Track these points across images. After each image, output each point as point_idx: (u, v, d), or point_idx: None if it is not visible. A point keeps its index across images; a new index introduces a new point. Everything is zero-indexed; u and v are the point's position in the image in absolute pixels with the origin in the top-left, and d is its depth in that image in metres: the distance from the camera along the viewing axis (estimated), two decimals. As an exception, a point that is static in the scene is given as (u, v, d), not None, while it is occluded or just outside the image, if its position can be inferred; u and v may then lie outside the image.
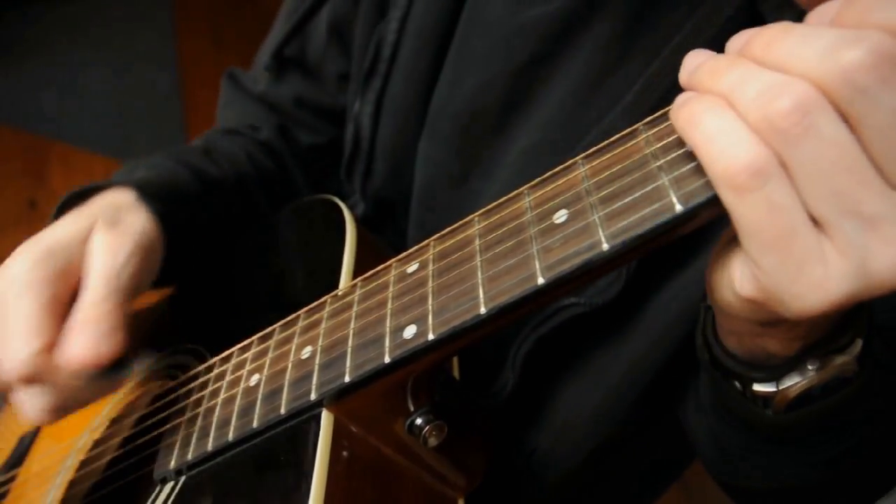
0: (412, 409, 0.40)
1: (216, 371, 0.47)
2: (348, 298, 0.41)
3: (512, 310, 0.32)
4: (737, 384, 0.36)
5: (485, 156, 0.56)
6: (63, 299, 0.44)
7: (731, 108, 0.25)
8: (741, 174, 0.24)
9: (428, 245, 0.39)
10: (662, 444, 0.62)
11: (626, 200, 0.29)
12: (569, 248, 0.31)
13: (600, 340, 0.52)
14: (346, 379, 0.37)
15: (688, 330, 0.46)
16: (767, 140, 0.24)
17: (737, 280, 0.28)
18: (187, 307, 0.62)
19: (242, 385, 0.43)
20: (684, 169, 0.28)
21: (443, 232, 0.38)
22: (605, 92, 0.49)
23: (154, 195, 0.51)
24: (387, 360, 0.35)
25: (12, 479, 0.60)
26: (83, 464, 0.55)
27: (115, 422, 0.56)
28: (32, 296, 0.43)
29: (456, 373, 0.49)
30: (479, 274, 0.34)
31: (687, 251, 0.46)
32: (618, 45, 0.48)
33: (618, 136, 0.32)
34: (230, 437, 0.41)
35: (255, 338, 0.45)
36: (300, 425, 0.39)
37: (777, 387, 0.34)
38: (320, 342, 0.40)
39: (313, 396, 0.38)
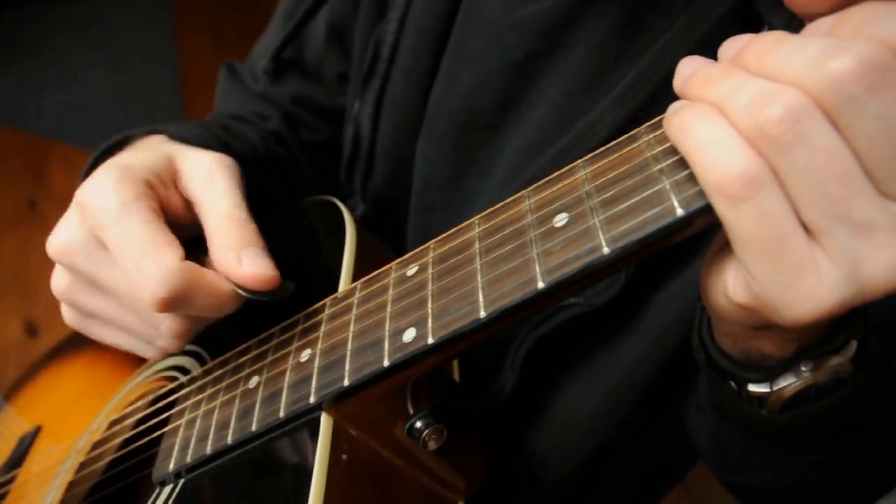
0: (412, 412, 0.40)
1: (215, 374, 0.47)
2: (347, 301, 0.41)
3: (512, 313, 0.32)
4: (732, 384, 0.36)
5: (481, 155, 0.56)
6: (160, 213, 0.40)
7: (724, 117, 0.25)
8: (733, 183, 0.24)
9: (428, 248, 0.39)
10: (663, 444, 0.62)
11: (627, 204, 0.29)
12: (569, 252, 0.30)
13: (600, 340, 0.51)
14: (346, 382, 0.37)
15: (687, 330, 0.45)
16: (759, 148, 0.24)
17: (730, 286, 0.28)
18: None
19: (241, 388, 0.43)
20: (686, 172, 0.28)
21: (443, 235, 0.38)
22: (602, 91, 0.49)
23: (195, 142, 0.49)
24: (386, 363, 0.35)
25: (12, 479, 0.60)
26: (83, 465, 0.55)
27: (114, 423, 0.56)
28: (136, 215, 0.38)
29: (456, 375, 0.49)
30: (479, 277, 0.34)
31: (687, 252, 0.46)
32: (613, 43, 0.48)
33: (619, 140, 0.32)
34: (229, 439, 0.41)
35: (253, 341, 0.45)
36: (299, 428, 0.39)
37: (771, 387, 0.34)
38: (319, 345, 0.40)
39: (312, 400, 0.38)
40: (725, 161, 0.25)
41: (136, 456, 0.50)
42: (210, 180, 0.41)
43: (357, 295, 0.41)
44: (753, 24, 0.42)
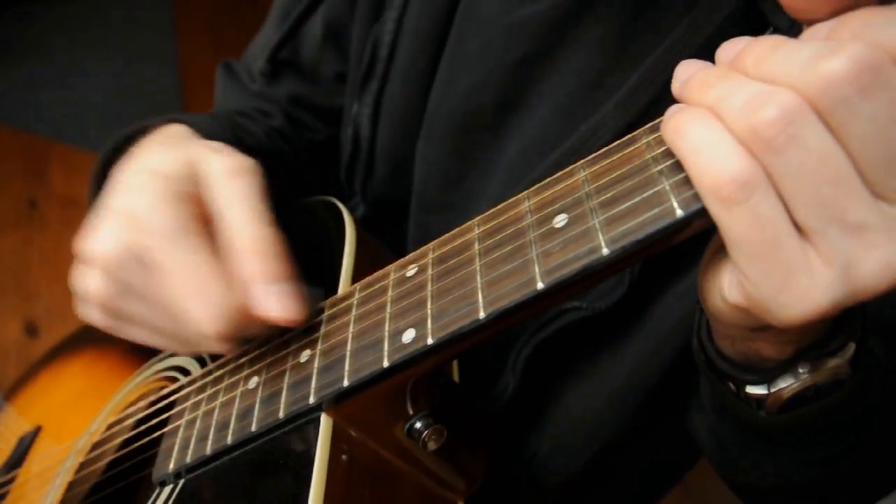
0: (411, 412, 0.40)
1: (215, 374, 0.47)
2: (347, 302, 0.41)
3: (511, 314, 0.32)
4: (731, 386, 0.36)
5: (480, 156, 0.56)
6: (205, 234, 0.39)
7: (718, 120, 0.26)
8: (726, 186, 0.25)
9: (427, 249, 0.39)
10: (664, 444, 0.62)
11: (627, 205, 0.29)
12: (568, 253, 0.30)
13: (603, 344, 0.51)
14: (345, 383, 0.37)
15: (690, 334, 0.46)
16: (753, 150, 0.24)
17: (725, 287, 0.29)
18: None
19: (241, 388, 0.43)
20: (685, 174, 0.28)
21: (443, 237, 0.38)
22: (604, 93, 0.49)
23: (210, 135, 0.49)
24: (385, 364, 0.35)
25: (12, 479, 0.60)
26: (83, 465, 0.55)
27: (114, 424, 0.56)
28: (184, 243, 0.37)
29: (456, 376, 0.49)
30: (479, 278, 0.34)
31: (691, 255, 0.46)
32: (615, 45, 0.48)
33: (619, 141, 0.32)
34: (229, 440, 0.41)
35: (252, 345, 0.45)
36: (299, 429, 0.39)
37: (769, 389, 0.34)
38: (319, 346, 0.40)
39: (312, 400, 0.38)
40: (719, 164, 0.25)
41: (135, 456, 0.50)
42: (232, 192, 0.39)
43: (356, 296, 0.41)
44: (757, 26, 0.42)
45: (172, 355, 0.57)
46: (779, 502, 0.48)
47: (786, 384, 0.34)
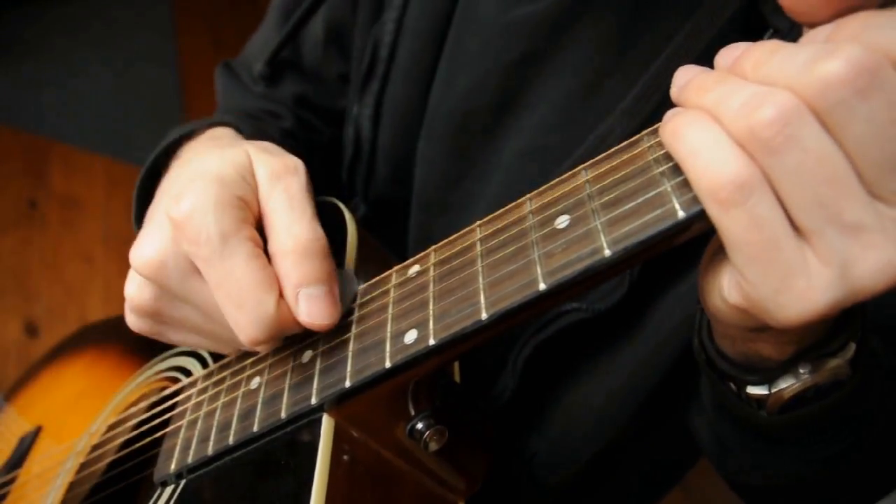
0: (413, 413, 0.40)
1: (217, 375, 0.47)
2: (349, 302, 0.41)
3: (513, 315, 0.32)
4: (732, 386, 0.36)
5: (478, 157, 0.56)
6: (258, 239, 0.39)
7: (716, 122, 0.26)
8: (724, 188, 0.25)
9: (430, 250, 0.39)
10: (664, 445, 0.62)
11: (629, 206, 0.29)
12: (570, 254, 0.31)
13: (602, 345, 0.51)
14: (347, 384, 0.37)
15: (691, 335, 0.46)
16: (751, 151, 0.25)
17: (725, 288, 0.29)
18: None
19: (243, 388, 0.43)
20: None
21: (446, 239, 0.38)
22: (605, 95, 0.49)
23: (252, 136, 0.48)
24: (387, 365, 0.35)
25: (13, 480, 0.60)
26: (83, 466, 0.55)
27: (115, 424, 0.56)
28: (237, 250, 0.37)
29: (457, 377, 0.49)
30: (481, 279, 0.34)
31: (690, 257, 0.46)
32: (614, 45, 0.48)
33: (621, 144, 0.32)
34: (231, 440, 0.41)
35: None
36: (301, 429, 0.39)
37: (770, 389, 0.34)
38: (321, 346, 0.40)
39: (314, 401, 0.38)
40: (716, 166, 0.25)
41: (137, 457, 0.50)
42: (278, 194, 0.39)
43: (358, 297, 0.41)
44: (757, 28, 0.42)
45: (174, 356, 0.57)
46: (779, 502, 0.48)
47: (786, 384, 0.34)
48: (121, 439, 0.53)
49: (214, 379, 0.47)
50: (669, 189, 0.28)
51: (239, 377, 0.44)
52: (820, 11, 0.25)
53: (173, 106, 2.17)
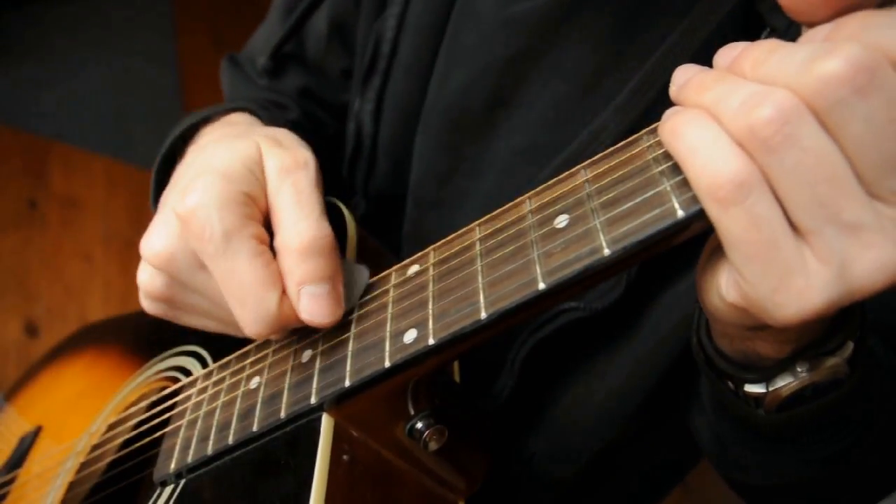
0: (413, 412, 0.40)
1: (216, 375, 0.47)
2: (348, 302, 0.41)
3: (513, 314, 0.32)
4: (730, 384, 0.36)
5: (469, 153, 0.56)
6: (264, 236, 0.39)
7: (715, 121, 0.26)
8: (723, 187, 0.25)
9: (429, 249, 0.39)
10: (664, 445, 0.62)
11: (628, 205, 0.29)
12: (570, 254, 0.31)
13: (600, 345, 0.51)
14: (346, 383, 0.37)
15: (689, 334, 0.46)
16: (749, 150, 0.25)
17: (723, 286, 0.29)
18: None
19: (243, 388, 0.43)
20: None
21: (444, 240, 0.38)
22: (601, 94, 0.49)
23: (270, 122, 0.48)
24: (387, 364, 0.35)
25: (13, 480, 0.60)
26: (83, 465, 0.55)
27: (115, 424, 0.56)
28: (240, 248, 0.37)
29: (456, 376, 0.49)
30: (480, 278, 0.34)
31: (687, 256, 0.46)
32: (610, 44, 0.48)
33: (620, 143, 0.32)
34: (230, 440, 0.41)
35: (253, 346, 0.45)
36: (300, 429, 0.39)
37: (767, 388, 0.34)
38: (320, 346, 0.40)
39: (313, 400, 0.38)
40: (715, 165, 0.25)
41: (136, 456, 0.50)
42: (286, 190, 0.39)
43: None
44: (754, 27, 0.42)
45: (173, 356, 0.57)
46: (779, 501, 0.48)
47: (784, 383, 0.34)
48: (121, 439, 0.53)
49: (214, 379, 0.47)
50: (669, 188, 0.28)
51: (238, 377, 0.44)
52: (819, 11, 0.25)
53: (173, 106, 2.17)
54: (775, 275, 0.25)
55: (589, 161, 0.33)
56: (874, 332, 0.41)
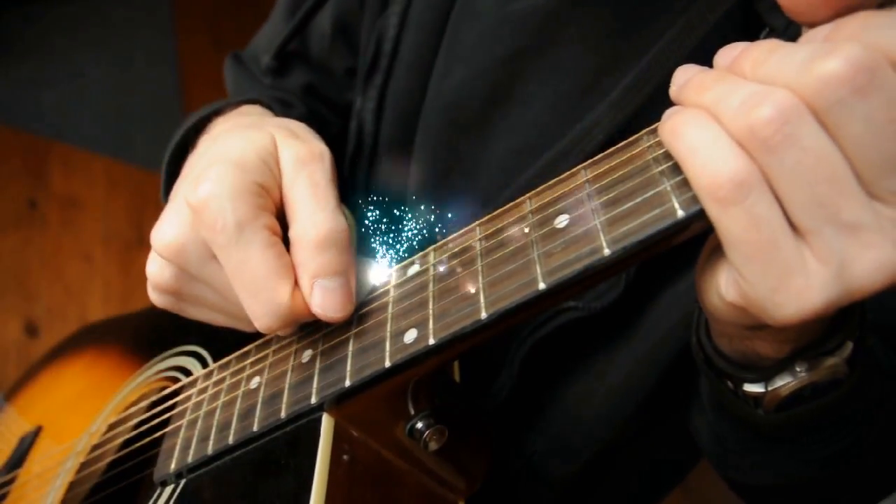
0: (413, 412, 0.40)
1: (217, 375, 0.47)
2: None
3: (513, 314, 0.32)
4: (729, 384, 0.36)
5: (465, 152, 0.56)
6: (276, 227, 0.38)
7: (715, 121, 0.26)
8: (723, 187, 0.25)
9: (429, 249, 0.39)
10: (664, 445, 0.62)
11: (628, 205, 0.29)
12: (570, 254, 0.31)
13: (599, 345, 0.51)
14: (347, 383, 0.37)
15: (688, 334, 0.46)
16: (749, 149, 0.25)
17: (722, 286, 0.29)
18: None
19: (243, 388, 0.43)
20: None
21: (444, 240, 0.38)
22: (601, 93, 0.49)
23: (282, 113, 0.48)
24: (387, 364, 0.35)
25: (13, 479, 0.60)
26: (83, 465, 0.55)
27: (115, 424, 0.56)
28: (253, 238, 0.36)
29: (456, 376, 0.49)
30: (480, 278, 0.34)
31: (686, 256, 0.46)
32: (609, 44, 0.48)
33: (620, 144, 0.32)
34: (230, 440, 0.41)
35: (253, 346, 0.45)
36: (300, 429, 0.39)
37: (766, 387, 0.34)
38: (321, 346, 0.40)
39: (314, 400, 0.38)
40: (715, 164, 0.25)
41: (137, 456, 0.50)
42: (301, 182, 0.39)
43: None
44: (753, 27, 0.42)
45: (173, 356, 0.57)
46: (779, 501, 0.48)
47: (783, 382, 0.34)
48: (121, 439, 0.53)
49: (214, 379, 0.47)
50: (669, 188, 0.28)
51: (239, 377, 0.44)
52: (819, 11, 0.26)
53: (173, 106, 2.17)
54: (775, 274, 0.25)
55: (589, 161, 0.33)
56: (873, 333, 0.41)
